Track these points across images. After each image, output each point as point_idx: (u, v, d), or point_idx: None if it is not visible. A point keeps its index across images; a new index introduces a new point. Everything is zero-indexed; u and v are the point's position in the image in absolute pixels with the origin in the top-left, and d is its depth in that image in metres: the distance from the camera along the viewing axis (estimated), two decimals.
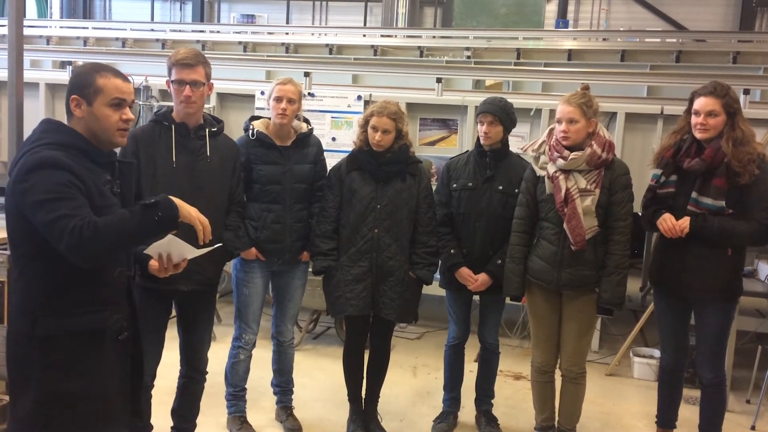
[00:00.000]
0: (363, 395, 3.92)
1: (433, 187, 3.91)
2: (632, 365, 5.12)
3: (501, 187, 3.75)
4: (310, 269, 3.83)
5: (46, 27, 11.30)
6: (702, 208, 3.38)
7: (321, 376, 4.78)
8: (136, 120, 5.49)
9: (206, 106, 3.42)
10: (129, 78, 2.41)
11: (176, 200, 2.24)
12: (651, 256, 3.81)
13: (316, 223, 3.76)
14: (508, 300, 3.85)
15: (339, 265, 3.68)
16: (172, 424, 3.55)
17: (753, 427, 4.32)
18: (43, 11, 15.77)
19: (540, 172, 3.56)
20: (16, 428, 2.30)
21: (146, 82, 5.75)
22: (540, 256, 3.56)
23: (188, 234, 2.32)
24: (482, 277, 3.76)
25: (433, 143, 5.54)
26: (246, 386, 3.95)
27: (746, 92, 4.92)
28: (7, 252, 3.22)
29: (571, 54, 8.88)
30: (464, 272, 3.78)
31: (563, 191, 3.42)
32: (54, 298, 2.23)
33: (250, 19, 15.92)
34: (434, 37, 10.60)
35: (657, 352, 4.76)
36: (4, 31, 3.68)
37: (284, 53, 9.53)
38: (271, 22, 15.13)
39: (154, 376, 3.34)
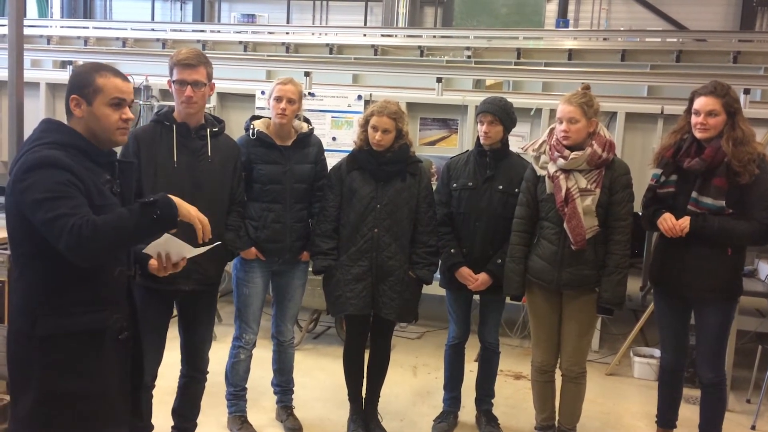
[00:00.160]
0: (363, 395, 3.92)
1: (434, 187, 3.91)
2: (632, 365, 5.12)
3: (501, 187, 3.75)
4: (310, 269, 3.83)
5: (47, 27, 11.30)
6: (702, 208, 3.38)
7: (321, 376, 4.78)
8: (136, 120, 5.49)
9: (207, 105, 3.41)
10: (129, 77, 2.41)
11: (175, 199, 2.24)
12: (651, 256, 3.81)
13: (316, 222, 3.76)
14: (508, 300, 3.85)
15: (339, 265, 3.68)
16: (172, 423, 3.55)
17: (753, 427, 4.32)
18: (43, 11, 15.78)
19: (540, 172, 3.56)
20: (16, 428, 2.30)
21: (147, 82, 5.75)
22: (540, 255, 3.56)
23: (188, 233, 2.33)
24: (482, 277, 3.77)
25: (433, 143, 5.54)
26: (246, 386, 3.96)
27: (746, 92, 4.92)
28: (8, 252, 3.22)
29: (571, 54, 8.87)
30: (464, 272, 3.78)
31: (564, 191, 3.42)
32: (54, 298, 2.24)
33: (250, 18, 15.91)
34: (434, 36, 10.59)
35: (657, 352, 4.76)
36: (5, 30, 3.67)
37: (285, 53, 9.52)
38: (272, 22, 15.12)
39: (155, 377, 3.34)
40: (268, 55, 8.78)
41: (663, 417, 3.82)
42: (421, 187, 3.72)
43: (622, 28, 13.16)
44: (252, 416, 3.98)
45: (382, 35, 10.65)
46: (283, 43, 9.85)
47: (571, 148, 3.44)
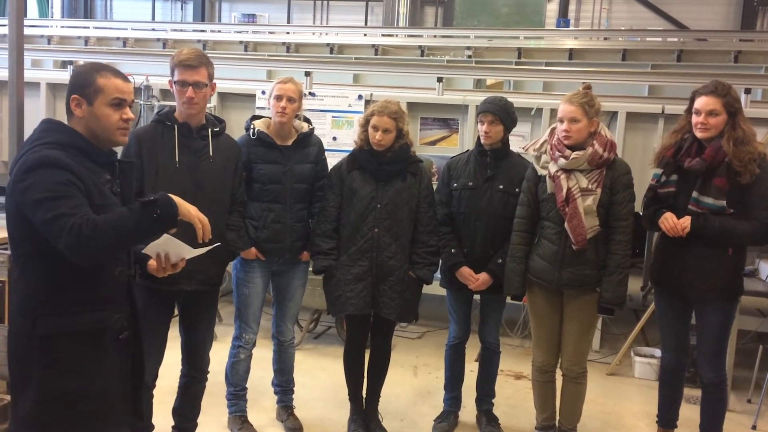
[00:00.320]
0: (364, 395, 3.92)
1: (434, 187, 3.91)
2: (633, 365, 5.12)
3: (501, 187, 3.75)
4: (311, 269, 3.83)
5: (47, 26, 11.31)
6: (703, 208, 3.37)
7: (322, 376, 4.78)
8: (137, 120, 5.49)
9: (207, 105, 3.41)
10: (129, 78, 2.41)
11: (175, 198, 2.24)
12: (652, 256, 3.81)
13: (316, 222, 3.76)
14: (508, 299, 3.85)
15: (339, 265, 3.68)
16: (173, 423, 3.55)
17: (754, 427, 4.31)
18: (44, 11, 15.78)
19: (541, 172, 3.56)
20: (16, 427, 2.30)
21: (147, 82, 5.75)
22: (541, 255, 3.55)
23: (188, 233, 2.33)
24: (483, 277, 3.76)
25: (433, 143, 5.54)
26: (247, 386, 3.95)
27: (747, 91, 4.92)
28: (8, 252, 3.22)
29: (572, 53, 8.87)
30: (465, 272, 3.78)
31: (564, 191, 3.42)
32: (54, 298, 2.24)
33: (251, 18, 15.92)
34: (435, 36, 10.59)
35: (658, 352, 4.76)
36: (5, 30, 3.66)
37: (285, 53, 9.52)
38: (272, 22, 15.12)
39: (155, 377, 3.34)
40: (268, 55, 8.78)
41: (664, 417, 3.82)
42: (422, 187, 3.72)
43: (622, 28, 13.16)
44: (252, 416, 3.98)
45: (383, 35, 10.64)
46: (283, 43, 9.85)
47: (573, 148, 3.44)
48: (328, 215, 3.71)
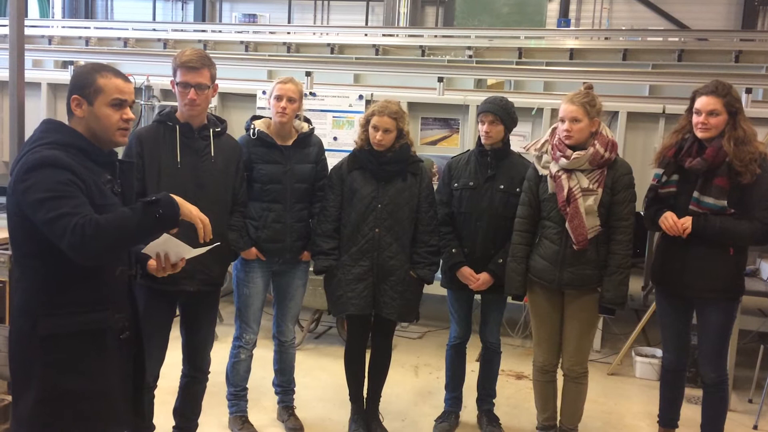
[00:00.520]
0: (365, 395, 3.92)
1: (435, 187, 3.91)
2: (634, 365, 5.12)
3: (502, 187, 3.75)
4: (311, 269, 3.83)
5: (48, 27, 11.31)
6: (704, 208, 3.37)
7: (322, 376, 4.78)
8: (137, 120, 5.50)
9: (209, 105, 3.41)
10: (129, 78, 2.41)
11: (177, 198, 2.24)
12: (653, 256, 3.80)
13: (317, 222, 3.76)
14: (509, 299, 3.85)
15: (340, 265, 3.68)
16: (174, 423, 3.55)
17: (755, 427, 4.31)
18: (44, 11, 15.78)
19: (542, 171, 3.56)
20: (18, 427, 2.30)
21: (148, 82, 5.76)
22: (542, 255, 3.55)
23: (189, 233, 2.33)
24: (484, 277, 3.76)
25: (434, 143, 5.54)
26: (247, 386, 3.95)
27: (748, 91, 4.92)
28: (9, 252, 3.23)
29: (572, 53, 8.88)
30: (466, 271, 3.78)
31: (566, 190, 3.42)
32: (55, 298, 2.24)
33: (251, 18, 15.91)
34: (436, 36, 10.59)
35: (659, 352, 4.76)
36: (6, 30, 3.66)
37: (286, 53, 9.53)
38: (273, 22, 15.11)
39: (157, 377, 3.34)
40: (269, 55, 8.79)
41: (665, 417, 3.82)
42: (422, 187, 3.72)
43: (623, 28, 13.16)
44: (253, 416, 3.98)
45: (384, 35, 10.64)
46: (284, 43, 9.85)
47: (574, 148, 3.44)
48: (328, 215, 3.71)
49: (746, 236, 3.36)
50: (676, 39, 10.01)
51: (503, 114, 3.71)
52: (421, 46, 9.50)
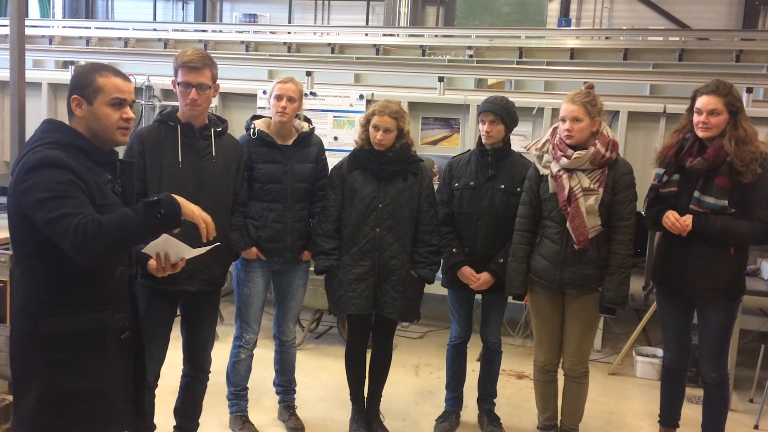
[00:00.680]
0: (365, 395, 3.92)
1: (435, 187, 3.91)
2: (635, 364, 5.12)
3: (503, 186, 3.75)
4: (311, 268, 3.83)
5: (49, 27, 11.32)
6: (704, 208, 3.37)
7: (323, 376, 4.78)
8: (138, 120, 5.50)
9: (210, 105, 3.41)
10: (129, 77, 2.41)
11: (179, 198, 2.24)
12: (654, 256, 3.80)
13: (317, 222, 3.76)
14: (510, 299, 3.85)
15: (341, 265, 3.67)
16: (174, 423, 3.55)
17: (756, 426, 4.31)
18: (45, 11, 15.79)
19: (543, 171, 3.55)
20: (18, 427, 2.30)
21: (149, 82, 5.76)
22: (543, 255, 3.55)
23: (191, 233, 2.32)
24: (484, 276, 3.76)
25: (435, 142, 5.54)
26: (248, 386, 3.95)
27: (749, 90, 4.92)
28: (9, 252, 3.23)
29: (573, 53, 8.88)
30: (466, 271, 3.78)
31: (566, 190, 3.41)
32: (56, 298, 2.24)
33: (252, 18, 15.92)
34: (436, 36, 10.59)
35: (660, 351, 4.76)
36: (7, 30, 3.66)
37: (286, 53, 9.53)
38: (274, 22, 15.12)
39: (157, 376, 3.34)
40: (269, 55, 8.79)
41: (665, 416, 3.82)
42: (423, 187, 3.72)
43: (624, 27, 13.17)
44: (254, 416, 3.98)
45: (384, 35, 10.64)
46: (284, 43, 9.85)
47: (575, 148, 3.43)
48: (329, 215, 3.71)
49: (747, 236, 3.36)
50: (677, 38, 10.02)
51: (504, 114, 3.71)
52: (421, 46, 9.50)
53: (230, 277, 3.99)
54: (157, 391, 3.38)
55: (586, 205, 3.40)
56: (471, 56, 8.92)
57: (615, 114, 5.17)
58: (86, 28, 11.28)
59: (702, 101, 3.36)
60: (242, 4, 16.39)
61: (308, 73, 5.69)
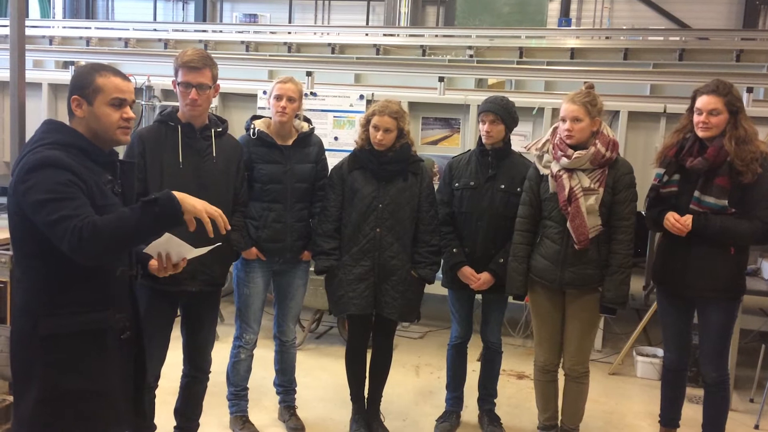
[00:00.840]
0: (366, 395, 3.92)
1: (436, 187, 3.91)
2: (635, 364, 5.12)
3: (503, 186, 3.75)
4: (311, 268, 3.83)
5: (49, 27, 11.31)
6: (705, 207, 3.37)
7: (324, 376, 4.78)
8: (138, 120, 5.50)
9: (210, 106, 3.41)
10: (129, 77, 2.41)
11: (179, 195, 2.18)
12: (654, 255, 3.80)
13: (318, 222, 3.76)
14: (510, 299, 3.85)
15: (341, 265, 3.67)
16: (175, 423, 3.55)
17: (757, 426, 4.31)
18: (45, 11, 15.78)
19: (543, 171, 3.55)
20: (19, 428, 2.30)
21: (149, 82, 5.76)
22: (543, 254, 3.55)
23: (197, 232, 2.26)
24: (485, 276, 3.76)
25: (435, 142, 5.54)
26: (248, 386, 3.95)
27: (749, 90, 4.92)
28: (10, 252, 3.23)
29: (573, 52, 8.87)
30: (467, 271, 3.78)
31: (567, 190, 3.41)
32: (56, 298, 2.23)
33: (252, 18, 15.91)
34: (437, 36, 10.58)
35: (660, 351, 4.76)
36: (7, 31, 3.66)
37: (287, 53, 9.52)
38: (274, 22, 15.12)
39: (158, 377, 3.34)
40: (270, 55, 8.78)
41: (666, 416, 3.82)
42: (423, 187, 3.72)
43: (624, 27, 13.16)
44: (254, 416, 3.98)
45: (384, 35, 10.64)
46: (285, 43, 9.85)
47: (575, 147, 3.43)
48: (329, 215, 3.70)
49: (747, 235, 3.36)
50: (677, 38, 10.02)
51: (504, 114, 3.71)
52: (421, 46, 9.49)
53: (230, 278, 4.00)
54: (157, 392, 3.38)
55: (587, 204, 3.40)
56: (471, 56, 8.92)
57: (615, 114, 5.17)
58: (86, 28, 11.27)
59: (702, 101, 3.36)
60: (242, 4, 16.38)
61: (308, 73, 5.69)
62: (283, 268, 3.85)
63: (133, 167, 2.55)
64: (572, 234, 3.43)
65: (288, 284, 3.90)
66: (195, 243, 2.36)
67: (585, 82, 3.71)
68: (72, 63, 6.42)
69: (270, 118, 3.78)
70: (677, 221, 3.38)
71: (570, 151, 3.42)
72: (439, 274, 3.87)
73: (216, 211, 2.26)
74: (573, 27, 13.82)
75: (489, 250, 3.78)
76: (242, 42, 9.94)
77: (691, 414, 3.98)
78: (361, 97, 5.55)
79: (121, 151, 2.55)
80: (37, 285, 2.25)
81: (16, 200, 2.20)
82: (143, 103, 5.69)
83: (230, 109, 5.88)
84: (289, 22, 15.43)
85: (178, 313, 3.44)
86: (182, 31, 11.09)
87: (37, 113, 5.72)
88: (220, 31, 11.74)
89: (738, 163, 3.27)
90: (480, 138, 3.81)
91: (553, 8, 14.48)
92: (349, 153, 3.83)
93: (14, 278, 2.80)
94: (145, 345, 2.55)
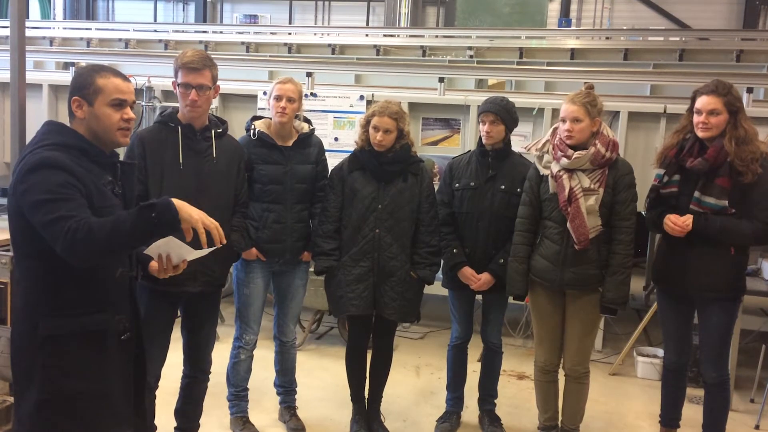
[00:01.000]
0: (366, 395, 3.92)
1: (436, 187, 3.91)
2: (636, 364, 5.12)
3: (503, 187, 3.75)
4: (311, 269, 3.83)
5: (49, 28, 11.32)
6: (705, 208, 3.37)
7: (324, 376, 4.78)
8: (138, 121, 5.50)
9: (210, 106, 3.41)
10: (129, 78, 2.41)
11: (178, 203, 2.16)
12: (654, 256, 3.80)
13: (317, 223, 3.76)
14: (511, 299, 3.85)
15: (341, 265, 3.67)
16: (175, 424, 3.55)
17: (757, 426, 4.31)
18: (46, 12, 15.79)
19: (544, 171, 3.56)
20: (19, 428, 2.30)
21: (149, 83, 5.76)
22: (543, 255, 3.55)
23: (196, 236, 2.27)
24: (485, 277, 3.76)
25: (435, 143, 5.54)
26: (248, 386, 3.96)
27: (749, 90, 4.92)
28: (10, 253, 3.23)
29: (573, 53, 8.87)
30: (467, 272, 3.78)
31: (567, 190, 3.42)
32: (56, 299, 2.24)
33: (252, 19, 15.91)
34: (437, 36, 10.58)
35: (660, 352, 4.75)
36: (7, 32, 3.66)
37: (287, 53, 9.52)
38: (274, 23, 15.13)
39: (158, 377, 3.34)
40: (270, 56, 8.78)
41: (666, 416, 3.82)
42: (423, 187, 3.72)
43: (624, 27, 13.15)
44: (255, 417, 3.98)
45: (384, 35, 10.64)
46: (285, 44, 9.85)
47: (575, 148, 3.43)
48: (329, 216, 3.71)
49: (747, 236, 3.36)
50: (677, 38, 10.02)
51: (504, 114, 3.71)
52: (422, 47, 9.49)
53: (230, 278, 4.00)
54: (157, 392, 3.37)
55: (587, 205, 3.40)
56: (471, 57, 8.92)
57: (615, 114, 5.17)
58: (87, 29, 11.26)
59: (702, 101, 3.36)
60: (243, 5, 16.38)
61: (308, 74, 5.69)
62: (283, 269, 3.85)
63: (133, 168, 2.55)
64: (572, 234, 3.43)
65: (288, 285, 3.90)
66: (195, 245, 2.36)
67: (585, 83, 3.71)
68: (72, 64, 6.42)
69: (270, 118, 3.79)
70: (676, 223, 3.38)
71: (570, 152, 3.43)
72: (440, 275, 3.88)
73: (212, 224, 2.22)
74: (573, 27, 13.82)
75: (489, 250, 3.78)
76: (242, 43, 9.93)
77: (692, 414, 3.98)
78: (361, 97, 5.55)
79: (121, 152, 2.55)
80: (38, 286, 2.25)
81: (15, 201, 2.20)
82: (144, 104, 5.69)
83: (230, 109, 5.88)
84: (290, 22, 15.43)
85: (179, 313, 3.44)
86: (182, 32, 11.08)
87: (38, 114, 5.72)
88: (221, 32, 11.72)
89: (738, 164, 3.28)
90: (480, 138, 3.81)
91: (553, 8, 14.48)
92: (349, 154, 3.84)
93: (14, 279, 2.80)
94: (146, 346, 2.55)
